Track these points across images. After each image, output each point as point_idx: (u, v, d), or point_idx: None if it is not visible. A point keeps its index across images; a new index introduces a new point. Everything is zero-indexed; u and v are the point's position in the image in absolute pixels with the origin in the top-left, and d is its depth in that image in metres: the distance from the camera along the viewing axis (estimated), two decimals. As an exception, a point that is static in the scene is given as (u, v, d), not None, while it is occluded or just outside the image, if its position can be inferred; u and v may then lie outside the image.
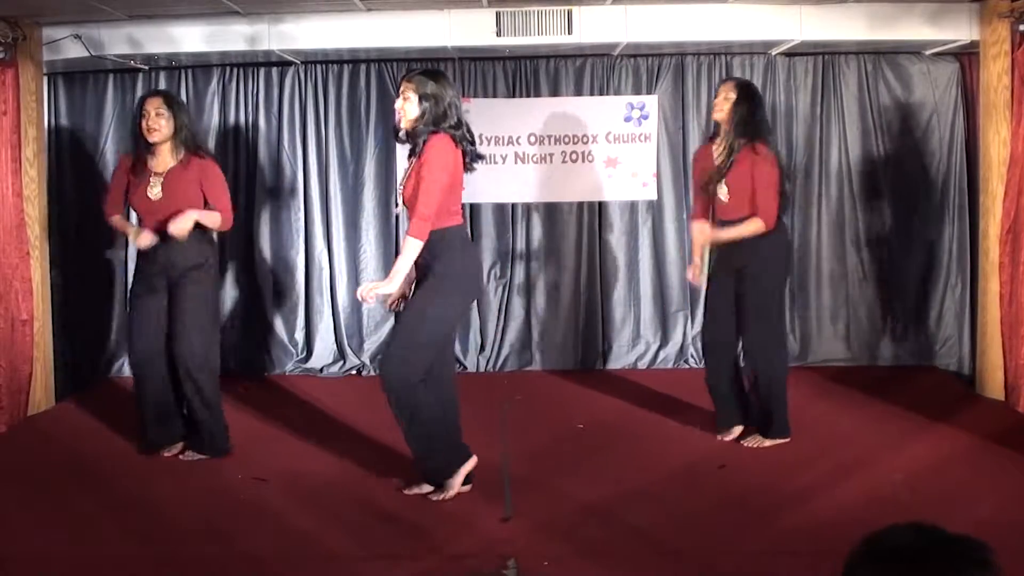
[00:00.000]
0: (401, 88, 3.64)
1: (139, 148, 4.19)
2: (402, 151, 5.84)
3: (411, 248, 3.52)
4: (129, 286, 4.54)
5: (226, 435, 4.35)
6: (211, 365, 4.26)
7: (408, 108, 3.59)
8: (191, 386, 4.21)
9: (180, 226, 4.02)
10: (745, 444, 4.37)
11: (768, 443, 4.34)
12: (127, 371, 5.88)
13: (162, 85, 5.83)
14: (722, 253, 4.37)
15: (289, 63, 5.81)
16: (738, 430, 4.46)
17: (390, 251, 6.03)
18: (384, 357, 3.79)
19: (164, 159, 4.19)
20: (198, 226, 4.15)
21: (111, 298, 5.98)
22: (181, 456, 4.31)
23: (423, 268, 3.64)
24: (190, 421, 4.35)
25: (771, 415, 4.35)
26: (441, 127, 3.58)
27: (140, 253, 4.31)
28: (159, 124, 4.11)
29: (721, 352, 4.45)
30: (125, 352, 5.92)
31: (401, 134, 3.70)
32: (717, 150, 4.30)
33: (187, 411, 4.34)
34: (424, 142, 3.57)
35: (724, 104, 4.18)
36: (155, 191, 4.15)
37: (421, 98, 3.57)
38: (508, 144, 5.84)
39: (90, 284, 5.91)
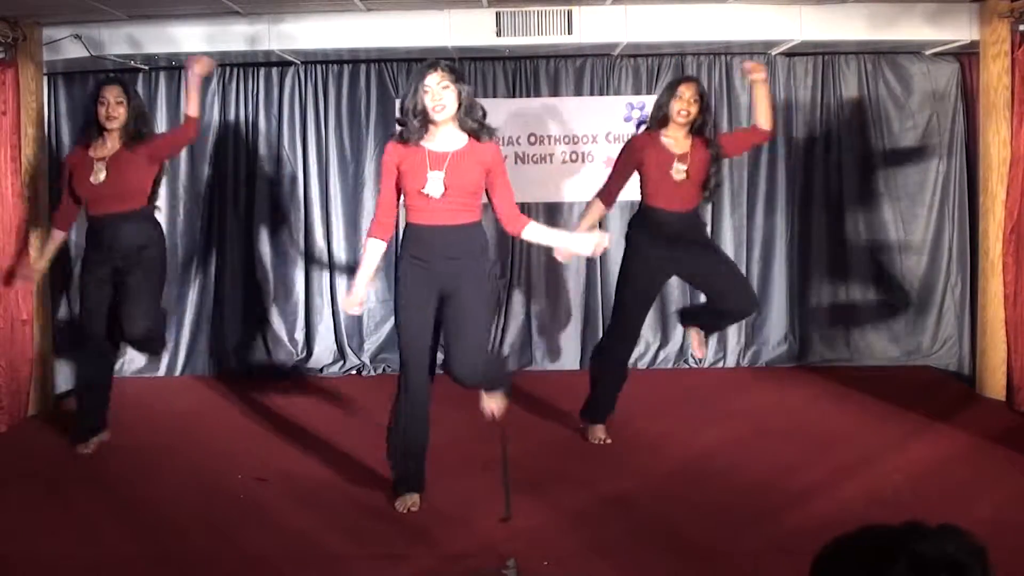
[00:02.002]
0: (435, 78, 3.42)
1: (88, 135, 4.32)
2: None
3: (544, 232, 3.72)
4: (80, 268, 4.53)
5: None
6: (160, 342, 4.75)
7: (448, 98, 3.43)
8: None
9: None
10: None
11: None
12: (127, 371, 5.91)
13: (162, 85, 5.84)
14: (650, 249, 4.32)
15: (289, 63, 5.81)
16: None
17: (390, 251, 5.97)
18: (466, 358, 3.63)
19: (111, 145, 4.28)
20: (143, 209, 4.31)
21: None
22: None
23: (468, 259, 3.57)
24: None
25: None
26: (492, 132, 3.58)
27: (87, 238, 4.38)
28: (118, 112, 4.21)
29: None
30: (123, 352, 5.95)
31: (433, 127, 3.48)
32: (679, 142, 4.26)
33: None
34: (489, 135, 3.54)
35: (695, 107, 4.20)
36: (99, 176, 4.21)
37: (458, 88, 3.46)
38: (508, 144, 5.83)
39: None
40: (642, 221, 4.37)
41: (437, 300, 3.60)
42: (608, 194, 4.44)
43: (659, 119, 4.26)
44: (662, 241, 4.27)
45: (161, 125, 5.85)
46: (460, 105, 3.47)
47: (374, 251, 3.60)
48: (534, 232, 3.64)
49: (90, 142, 4.30)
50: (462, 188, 3.49)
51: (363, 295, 3.67)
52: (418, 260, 3.55)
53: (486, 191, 3.61)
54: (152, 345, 4.62)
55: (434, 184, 3.46)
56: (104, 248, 4.28)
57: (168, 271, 5.59)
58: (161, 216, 4.64)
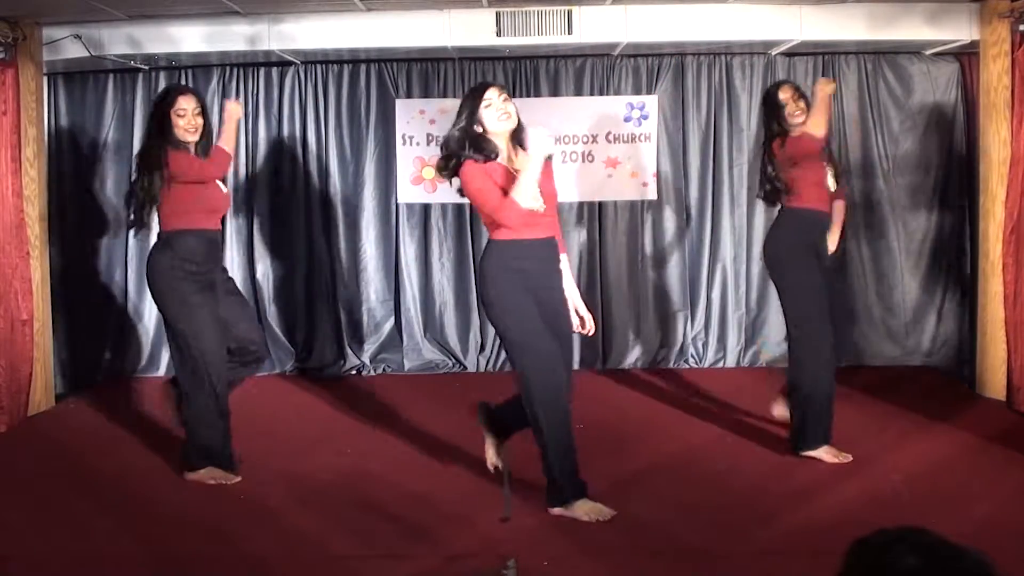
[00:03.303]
0: (497, 93, 3.52)
1: (167, 145, 3.87)
2: (403, 151, 5.88)
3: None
4: (183, 286, 3.89)
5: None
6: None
7: (511, 109, 3.54)
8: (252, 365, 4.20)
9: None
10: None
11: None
12: (125, 372, 5.92)
13: (162, 85, 5.82)
14: (820, 244, 4.31)
15: (289, 63, 5.81)
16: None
17: (390, 251, 6.03)
18: (567, 353, 3.76)
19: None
20: None
21: (111, 299, 5.97)
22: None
23: (555, 268, 3.67)
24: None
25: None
26: None
27: (191, 251, 3.87)
28: (199, 123, 3.94)
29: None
30: (124, 352, 5.95)
31: (498, 143, 3.53)
32: None
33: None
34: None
35: (802, 102, 4.22)
36: (224, 188, 4.08)
37: (513, 104, 3.59)
38: (508, 144, 5.83)
39: (90, 284, 5.91)
40: (804, 220, 4.25)
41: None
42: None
43: (780, 127, 4.19)
44: (815, 238, 4.27)
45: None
46: (518, 120, 3.56)
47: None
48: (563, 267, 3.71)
49: (187, 152, 3.93)
50: (550, 198, 3.56)
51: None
52: (520, 272, 3.50)
53: None
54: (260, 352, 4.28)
55: (225, 197, 3.60)
56: (214, 263, 4.03)
57: None
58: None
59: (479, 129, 3.51)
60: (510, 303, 3.50)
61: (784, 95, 4.19)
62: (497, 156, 3.53)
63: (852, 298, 5.95)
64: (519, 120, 3.57)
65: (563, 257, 3.70)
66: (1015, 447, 4.24)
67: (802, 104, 4.19)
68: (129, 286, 5.92)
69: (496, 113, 3.50)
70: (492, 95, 3.52)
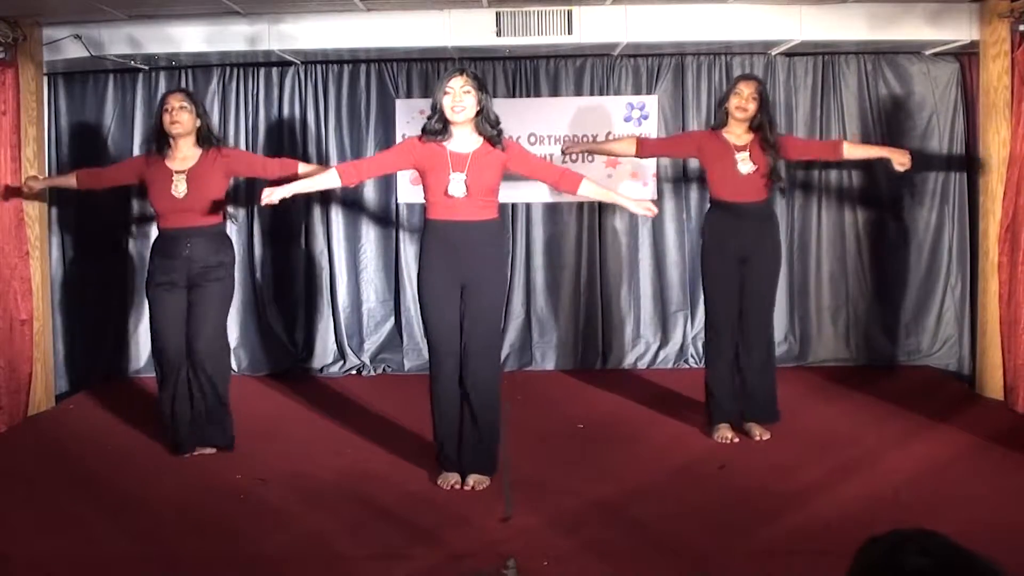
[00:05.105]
0: (461, 83, 3.69)
1: (159, 146, 4.30)
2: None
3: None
4: (146, 280, 4.40)
5: (232, 427, 4.40)
6: (224, 359, 4.42)
7: (468, 101, 3.70)
8: (204, 377, 4.27)
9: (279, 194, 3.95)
10: (755, 439, 4.43)
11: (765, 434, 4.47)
12: (127, 371, 5.92)
13: (162, 85, 5.83)
14: (725, 241, 4.43)
15: (289, 63, 5.81)
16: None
17: (390, 251, 6.03)
18: (481, 344, 3.81)
19: (184, 156, 4.27)
20: (220, 224, 4.34)
21: (111, 299, 5.97)
22: (193, 454, 4.30)
23: (488, 253, 3.82)
24: (199, 415, 4.34)
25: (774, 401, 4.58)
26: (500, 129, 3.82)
27: (158, 248, 4.33)
28: (182, 118, 4.22)
29: (731, 342, 4.52)
30: (124, 352, 5.95)
31: (453, 127, 3.73)
32: (739, 137, 4.41)
33: (197, 405, 4.33)
34: (500, 141, 3.78)
35: (753, 104, 4.33)
36: (180, 189, 4.22)
37: (479, 95, 3.72)
38: (508, 144, 5.83)
39: (90, 284, 5.91)
40: (714, 214, 4.52)
41: (460, 291, 3.80)
42: (647, 146, 4.66)
43: (719, 117, 4.46)
44: (733, 231, 4.40)
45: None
46: (480, 112, 3.73)
47: (326, 176, 3.92)
48: (588, 189, 3.90)
49: (164, 154, 4.27)
50: (482, 188, 3.76)
51: (286, 195, 3.83)
52: (441, 253, 3.77)
53: (528, 176, 4.04)
54: (213, 373, 4.29)
55: (456, 185, 3.71)
56: (180, 259, 4.23)
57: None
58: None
59: (439, 113, 3.73)
60: (425, 287, 3.81)
61: (747, 88, 4.33)
62: (446, 140, 3.74)
63: (852, 298, 5.97)
64: (484, 112, 3.72)
65: (585, 181, 3.87)
66: (1015, 447, 4.24)
67: (753, 107, 4.32)
68: (129, 286, 5.91)
69: (450, 103, 3.70)
70: (454, 85, 3.71)
